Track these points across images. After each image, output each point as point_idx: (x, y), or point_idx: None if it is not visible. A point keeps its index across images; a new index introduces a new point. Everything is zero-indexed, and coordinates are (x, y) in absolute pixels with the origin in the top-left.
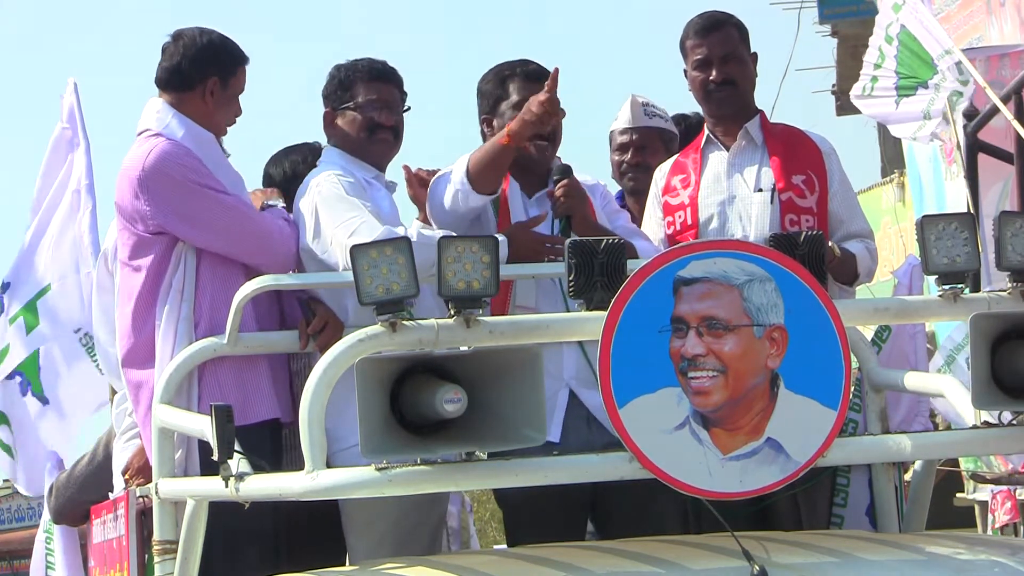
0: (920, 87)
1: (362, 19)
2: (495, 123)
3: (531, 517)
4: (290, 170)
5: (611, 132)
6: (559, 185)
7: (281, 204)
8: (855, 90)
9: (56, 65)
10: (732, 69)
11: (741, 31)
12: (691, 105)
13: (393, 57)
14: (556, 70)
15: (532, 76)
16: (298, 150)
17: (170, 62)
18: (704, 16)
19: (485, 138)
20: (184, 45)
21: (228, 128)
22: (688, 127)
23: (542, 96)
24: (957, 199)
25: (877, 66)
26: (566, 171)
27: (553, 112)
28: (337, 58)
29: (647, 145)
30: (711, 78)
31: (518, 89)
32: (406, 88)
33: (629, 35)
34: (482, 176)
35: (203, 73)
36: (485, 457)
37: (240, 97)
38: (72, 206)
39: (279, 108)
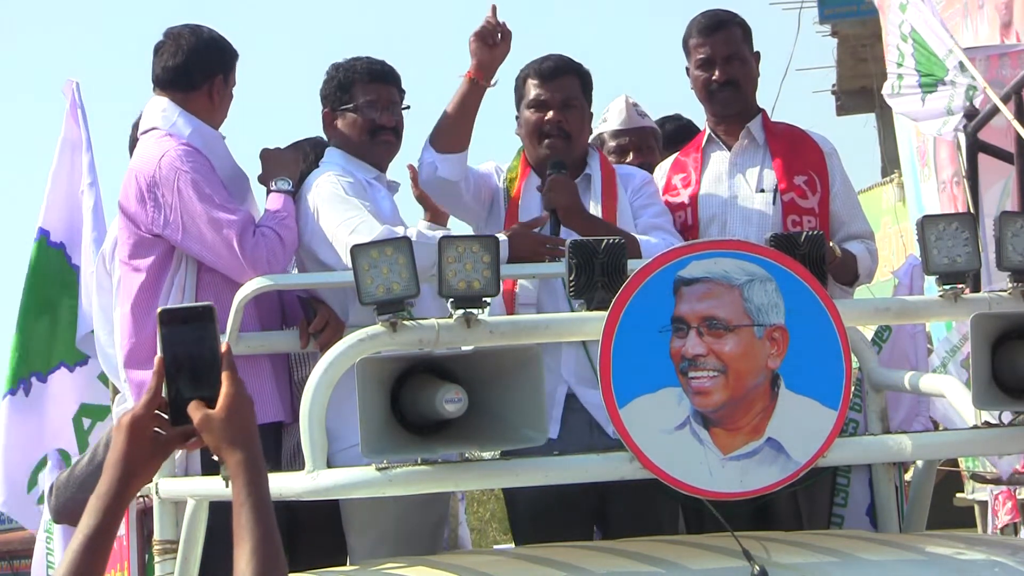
0: (939, 84)
1: (357, 19)
2: (520, 120)
3: (538, 525)
4: None
5: (600, 134)
6: (547, 180)
7: (289, 186)
8: (885, 89)
9: (51, 64)
10: (735, 69)
11: (744, 30)
12: (685, 104)
13: (393, 56)
14: (494, 6)
15: (545, 75)
16: (298, 147)
17: (173, 62)
18: (707, 15)
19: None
20: (187, 45)
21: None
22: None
23: (480, 27)
24: (931, 199)
25: (899, 64)
26: (556, 166)
27: (494, 28)
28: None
29: (643, 146)
30: (714, 78)
31: (532, 88)
32: (404, 86)
33: (626, 34)
34: (447, 126)
35: (209, 72)
36: (485, 457)
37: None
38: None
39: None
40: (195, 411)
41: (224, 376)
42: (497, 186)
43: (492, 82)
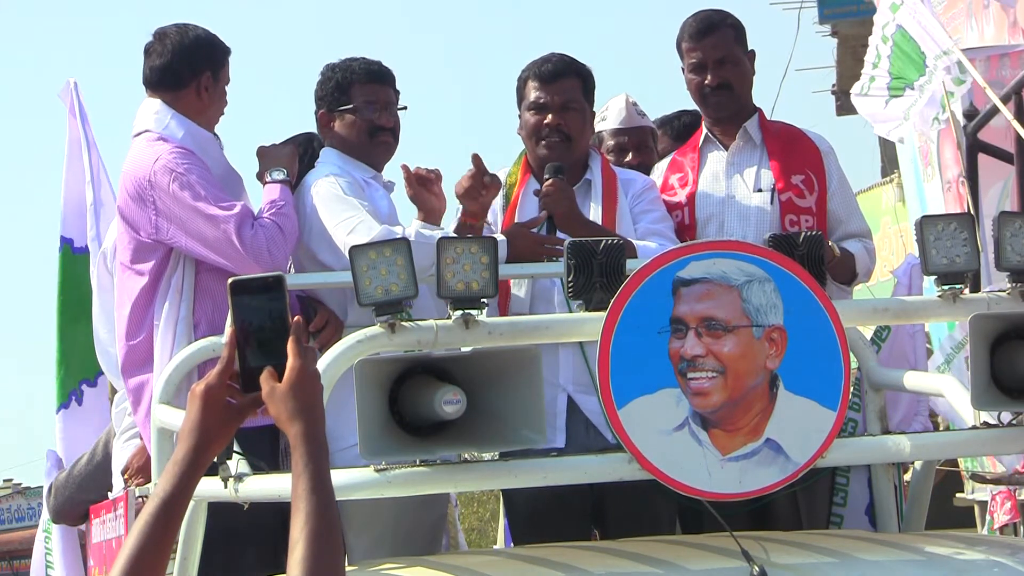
0: (908, 88)
1: (359, 18)
2: (520, 122)
3: (537, 526)
4: None
5: (599, 133)
6: (544, 184)
7: (284, 175)
8: (855, 89)
9: (50, 63)
10: (728, 72)
11: (737, 31)
12: (682, 102)
13: (390, 56)
14: (475, 156)
15: (544, 77)
16: (293, 143)
17: (160, 61)
18: (698, 18)
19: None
20: (172, 43)
21: (219, 119)
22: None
23: (464, 179)
24: (935, 199)
25: (875, 66)
26: (555, 171)
27: (474, 190)
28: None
29: (642, 145)
30: (706, 82)
31: (532, 90)
32: (399, 87)
33: (624, 32)
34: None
35: (196, 70)
36: (484, 458)
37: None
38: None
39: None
40: (265, 381)
41: (291, 348)
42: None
43: (484, 221)
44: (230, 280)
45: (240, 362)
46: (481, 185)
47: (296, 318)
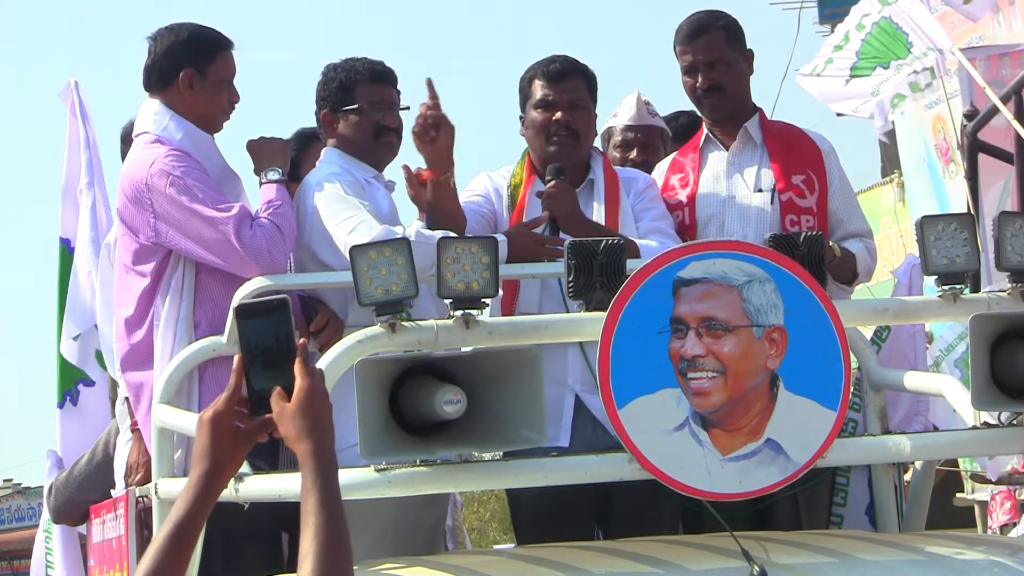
0: (880, 67)
1: (359, 17)
2: (525, 121)
3: (541, 525)
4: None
5: (609, 128)
6: (547, 186)
7: (280, 175)
8: (804, 69)
9: (53, 63)
10: (719, 74)
11: (729, 32)
12: (683, 103)
13: (389, 56)
14: (428, 80)
15: (552, 76)
16: (293, 140)
17: (149, 61)
18: (690, 21)
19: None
20: (160, 43)
21: (228, 115)
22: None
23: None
24: (959, 198)
25: (838, 48)
26: (556, 172)
27: (426, 123)
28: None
29: (650, 144)
30: (698, 84)
31: (539, 88)
32: (400, 87)
33: (630, 31)
34: (436, 225)
35: (176, 66)
36: (485, 458)
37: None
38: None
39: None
40: (274, 402)
41: (297, 368)
42: (494, 204)
43: (451, 173)
44: (235, 305)
45: (247, 386)
46: (427, 125)
47: (302, 340)
